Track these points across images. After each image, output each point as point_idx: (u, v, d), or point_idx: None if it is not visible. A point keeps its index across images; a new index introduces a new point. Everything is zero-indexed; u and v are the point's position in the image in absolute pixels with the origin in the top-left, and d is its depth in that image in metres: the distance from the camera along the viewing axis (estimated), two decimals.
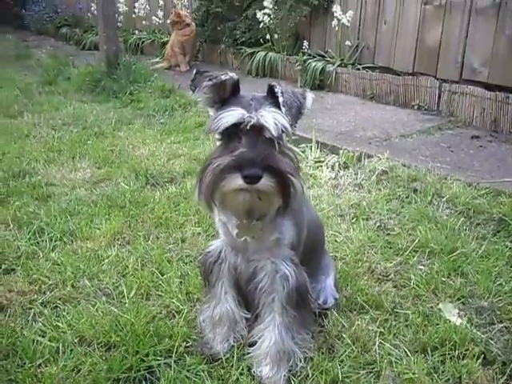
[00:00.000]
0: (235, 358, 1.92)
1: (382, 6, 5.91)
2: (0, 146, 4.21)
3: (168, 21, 7.97)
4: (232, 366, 1.88)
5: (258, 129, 1.56)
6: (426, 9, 5.44)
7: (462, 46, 5.12)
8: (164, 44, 8.48)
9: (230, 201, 1.60)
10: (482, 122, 4.79)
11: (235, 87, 1.67)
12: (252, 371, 1.87)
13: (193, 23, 7.85)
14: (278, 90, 1.63)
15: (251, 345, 1.93)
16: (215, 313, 1.99)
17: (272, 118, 1.56)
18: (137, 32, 9.44)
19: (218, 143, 1.65)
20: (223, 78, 1.63)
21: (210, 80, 1.62)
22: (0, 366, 1.86)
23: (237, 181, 1.52)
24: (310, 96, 1.72)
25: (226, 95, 1.66)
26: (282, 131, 1.59)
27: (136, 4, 9.09)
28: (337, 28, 6.19)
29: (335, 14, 6.12)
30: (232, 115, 1.56)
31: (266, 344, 1.86)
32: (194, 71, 1.72)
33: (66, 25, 11.86)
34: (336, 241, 2.86)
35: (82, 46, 10.40)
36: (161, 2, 8.89)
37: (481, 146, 4.32)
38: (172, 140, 4.54)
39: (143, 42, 9.13)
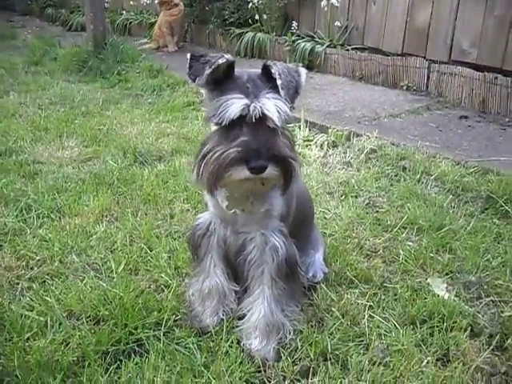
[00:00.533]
0: (224, 330, 1.91)
1: None
2: None
3: (156, 1, 7.89)
4: (221, 338, 1.88)
5: (261, 118, 1.54)
6: None
7: (452, 27, 5.11)
8: (152, 25, 8.40)
9: (233, 188, 1.63)
10: (471, 102, 4.79)
11: (230, 68, 1.63)
12: (241, 344, 1.87)
13: (181, 3, 7.78)
14: (274, 71, 1.60)
15: (240, 318, 1.93)
16: (204, 286, 1.99)
17: (274, 107, 1.54)
18: (124, 12, 9.35)
19: (214, 127, 1.62)
20: (220, 61, 1.58)
21: (209, 67, 1.57)
22: None
23: (243, 172, 1.52)
24: (303, 72, 1.71)
25: (220, 76, 1.62)
26: (285, 117, 1.57)
27: None
28: (326, 8, 6.16)
29: None
30: (235, 106, 1.53)
31: (256, 317, 1.86)
32: (189, 56, 1.65)
33: (51, 5, 11.68)
34: (325, 217, 2.86)
35: (68, 27, 10.28)
36: None
37: (469, 126, 4.33)
38: (160, 119, 4.52)
39: (131, 22, 9.05)
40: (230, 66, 1.62)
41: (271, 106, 1.54)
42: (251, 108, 1.52)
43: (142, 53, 6.82)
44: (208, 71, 1.57)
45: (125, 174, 3.29)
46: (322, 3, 6.15)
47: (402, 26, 5.58)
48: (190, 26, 8.20)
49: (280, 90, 1.57)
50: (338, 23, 6.15)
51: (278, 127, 1.56)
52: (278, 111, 1.54)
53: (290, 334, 1.88)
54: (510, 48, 4.63)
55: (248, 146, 1.51)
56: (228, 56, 1.60)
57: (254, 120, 1.53)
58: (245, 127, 1.54)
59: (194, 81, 1.62)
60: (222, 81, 1.62)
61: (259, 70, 1.66)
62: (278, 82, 1.57)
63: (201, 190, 1.89)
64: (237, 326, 1.93)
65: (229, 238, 1.92)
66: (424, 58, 5.31)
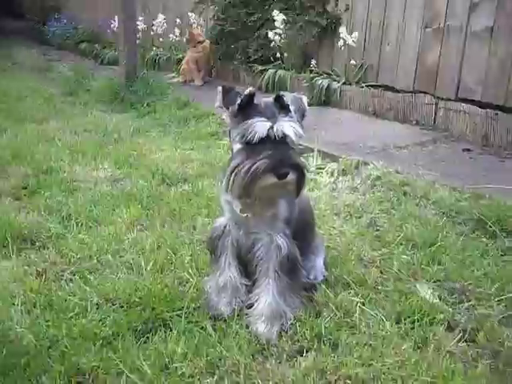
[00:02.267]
0: (235, 317, 2.27)
1: (386, 28, 6.29)
2: (28, 147, 4.60)
3: (184, 38, 8.43)
4: (233, 322, 2.23)
5: (282, 139, 1.98)
6: (426, 31, 5.81)
7: (459, 66, 5.48)
8: (180, 60, 8.91)
9: (263, 194, 2.02)
10: (474, 136, 5.14)
11: (251, 97, 2.03)
12: (249, 328, 2.22)
13: (207, 41, 8.29)
14: (287, 99, 2.04)
15: (249, 307, 2.29)
16: (220, 280, 2.35)
17: (291, 127, 1.99)
18: (154, 49, 9.90)
19: (239, 146, 2.03)
20: (247, 92, 2.00)
21: (240, 97, 2.00)
22: (40, 316, 2.23)
23: (272, 179, 1.94)
24: (305, 99, 2.18)
25: (243, 104, 2.02)
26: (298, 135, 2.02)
27: (154, 22, 9.55)
28: (343, 48, 6.58)
29: (341, 35, 6.51)
30: (262, 127, 1.95)
31: (262, 305, 2.22)
32: (220, 89, 2.08)
33: (85, 40, 12.37)
34: (330, 234, 3.19)
35: (101, 61, 10.87)
36: (177, 21, 9.35)
37: (471, 158, 4.67)
38: (186, 147, 4.92)
39: (160, 58, 9.57)
40: (252, 96, 2.03)
41: (288, 126, 1.98)
42: (274, 128, 1.95)
43: (171, 86, 7.29)
44: (240, 101, 1.99)
45: (153, 192, 3.68)
46: (339, 43, 6.57)
47: (414, 65, 5.97)
48: (216, 62, 8.69)
49: (293, 114, 2.02)
50: (353, 62, 6.55)
51: (293, 143, 2.00)
52: (294, 131, 1.99)
53: (290, 320, 2.23)
54: (511, 87, 4.99)
55: (273, 157, 1.93)
56: (252, 88, 2.02)
57: (276, 138, 1.96)
58: (267, 144, 1.96)
59: (227, 108, 2.04)
60: (244, 108, 2.02)
61: (270, 99, 2.08)
62: (292, 107, 2.03)
63: (222, 196, 2.27)
64: (246, 314, 2.28)
65: (241, 239, 2.30)
66: (433, 95, 5.69)
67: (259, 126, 1.95)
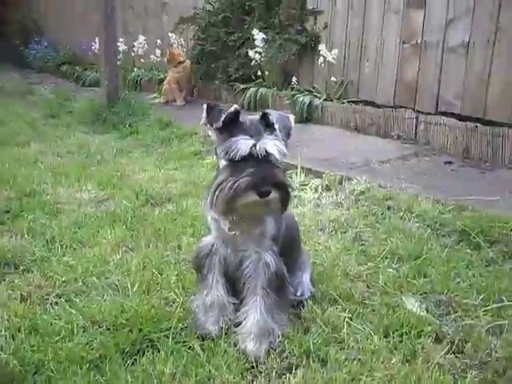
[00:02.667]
0: (223, 335, 2.26)
1: (365, 44, 6.37)
2: (10, 170, 4.57)
3: (165, 59, 8.46)
4: (221, 341, 2.22)
5: (265, 157, 1.99)
6: (404, 47, 5.90)
7: (437, 81, 5.56)
8: (161, 81, 8.93)
9: (243, 210, 2.01)
10: (455, 149, 5.20)
11: (236, 115, 2.05)
12: (238, 346, 2.21)
13: (187, 61, 8.33)
14: (272, 117, 2.05)
15: (237, 325, 2.27)
16: (207, 299, 2.32)
17: (274, 146, 2.00)
18: (135, 69, 9.91)
19: (224, 163, 2.05)
20: (232, 109, 2.03)
21: (224, 114, 2.02)
22: (25, 340, 2.20)
23: (253, 196, 1.94)
24: (292, 117, 2.19)
25: (227, 121, 2.04)
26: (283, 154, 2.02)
27: (135, 43, 9.59)
28: (323, 65, 6.64)
29: (321, 52, 6.58)
30: (245, 145, 1.97)
31: (250, 323, 2.20)
32: (205, 106, 2.09)
33: (66, 63, 12.37)
34: (316, 250, 3.20)
35: (82, 82, 10.88)
36: (158, 41, 9.39)
37: (452, 170, 4.72)
38: (169, 167, 4.92)
39: (141, 78, 9.60)
40: (237, 113, 2.05)
41: (271, 145, 1.99)
42: (257, 147, 1.96)
43: (152, 106, 7.31)
44: (223, 117, 2.01)
45: (137, 212, 3.67)
46: (320, 60, 6.63)
47: (393, 80, 6.05)
48: (197, 82, 8.72)
49: (278, 133, 2.03)
50: (334, 78, 6.62)
51: (278, 161, 2.00)
52: (277, 149, 2.00)
53: (278, 337, 2.22)
54: (488, 100, 5.07)
55: (255, 175, 1.94)
56: (236, 106, 2.05)
57: (259, 156, 1.97)
58: (251, 161, 1.97)
59: (211, 125, 2.06)
60: (229, 125, 2.04)
61: (256, 116, 2.11)
62: (276, 126, 2.04)
63: (209, 215, 2.26)
64: (234, 332, 2.27)
65: (229, 257, 2.30)
66: (413, 109, 5.75)
67: (242, 144, 1.96)
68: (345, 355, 2.15)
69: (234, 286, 2.35)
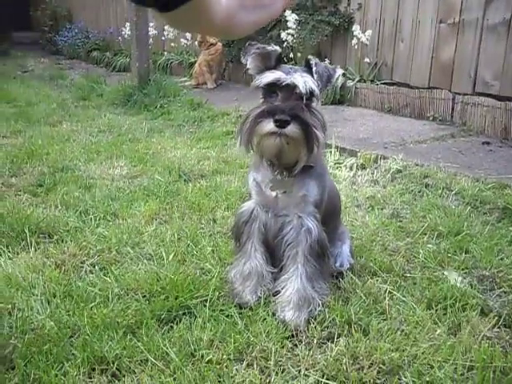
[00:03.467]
0: (262, 304, 2.20)
1: (399, 25, 6.23)
2: (43, 147, 4.57)
3: (196, 42, 8.41)
4: (260, 309, 2.16)
5: (291, 88, 1.91)
6: (441, 27, 5.75)
7: (475, 61, 5.41)
8: (191, 64, 8.90)
9: (263, 143, 1.92)
10: (493, 130, 5.05)
11: (278, 59, 2.00)
12: (276, 315, 2.14)
13: (219, 43, 8.26)
14: (312, 62, 1.98)
15: (276, 294, 2.21)
16: (245, 268, 2.26)
17: (302, 78, 1.91)
18: (165, 54, 9.89)
19: (260, 101, 2.00)
20: (268, 48, 1.98)
21: (257, 49, 1.98)
22: (60, 305, 2.17)
23: (269, 125, 1.85)
24: (339, 71, 2.09)
25: (271, 65, 1.99)
26: (310, 92, 1.92)
27: (165, 27, 9.55)
28: (356, 46, 6.53)
29: (355, 33, 6.47)
30: (272, 75, 1.92)
31: (290, 291, 2.13)
32: (247, 43, 2.04)
33: (96, 49, 12.41)
34: (353, 225, 3.13)
35: (112, 68, 10.89)
36: None
37: (490, 151, 4.58)
38: (201, 146, 4.86)
39: (172, 62, 9.56)
40: (279, 57, 2.00)
41: (299, 78, 1.90)
42: (282, 77, 1.89)
43: (183, 89, 7.26)
44: (255, 51, 1.98)
45: (171, 187, 3.63)
46: (353, 41, 6.52)
47: (428, 61, 5.91)
48: (227, 65, 8.66)
49: (314, 74, 1.95)
50: (367, 60, 6.50)
51: (303, 94, 1.90)
52: (304, 82, 1.90)
53: (319, 306, 2.15)
54: None
55: (276, 105, 1.88)
56: (276, 47, 2.00)
57: (283, 85, 1.90)
58: (279, 95, 1.92)
59: (243, 57, 2.01)
60: (272, 68, 1.98)
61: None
62: (313, 68, 1.95)
63: (252, 176, 2.21)
64: (273, 301, 2.20)
65: (269, 222, 2.22)
66: (449, 90, 5.61)
67: (268, 74, 1.93)
68: (387, 325, 2.07)
69: (274, 254, 2.28)
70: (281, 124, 1.84)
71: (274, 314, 2.15)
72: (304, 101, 1.92)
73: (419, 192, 3.64)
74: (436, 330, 2.05)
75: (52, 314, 2.09)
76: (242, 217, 2.26)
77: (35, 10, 15.85)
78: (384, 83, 6.33)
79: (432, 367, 1.84)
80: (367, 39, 6.40)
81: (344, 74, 6.73)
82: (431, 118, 5.69)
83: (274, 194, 2.13)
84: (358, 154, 4.34)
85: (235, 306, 2.20)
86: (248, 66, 2.03)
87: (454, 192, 3.54)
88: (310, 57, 2.03)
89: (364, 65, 6.58)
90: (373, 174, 4.03)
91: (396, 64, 6.34)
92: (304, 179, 2.10)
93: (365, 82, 6.48)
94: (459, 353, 1.90)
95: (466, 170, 3.90)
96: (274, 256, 2.28)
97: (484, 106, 5.15)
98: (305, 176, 2.10)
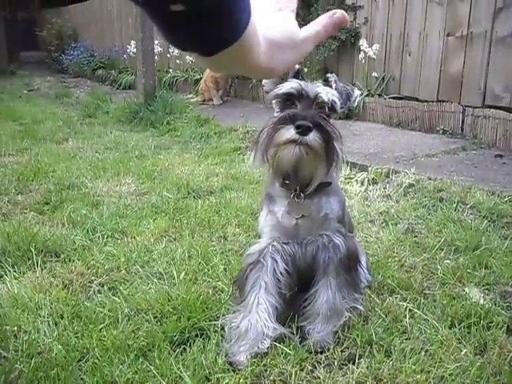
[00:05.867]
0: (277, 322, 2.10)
1: (407, 38, 6.19)
2: (49, 164, 4.51)
3: None
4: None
5: (312, 99, 1.81)
6: (449, 40, 5.69)
7: (484, 73, 5.34)
8: (197, 81, 8.87)
9: (280, 154, 1.78)
10: (506, 142, 4.97)
11: (296, 75, 1.91)
12: (304, 329, 2.05)
13: None
14: (332, 79, 1.90)
15: (304, 307, 2.08)
16: (242, 325, 1.99)
17: (324, 90, 1.83)
18: (171, 71, 9.88)
19: (276, 114, 1.88)
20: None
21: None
22: (68, 327, 2.08)
23: (290, 131, 1.74)
24: (357, 91, 2.02)
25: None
26: (332, 105, 1.83)
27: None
28: (363, 61, 6.50)
29: (362, 48, 6.44)
30: (291, 84, 1.82)
31: (320, 302, 2.02)
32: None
33: (101, 67, 12.44)
34: (367, 241, 3.04)
35: (118, 85, 10.88)
36: None
37: (504, 163, 4.50)
38: (209, 162, 4.79)
39: (177, 79, 9.54)
40: (297, 73, 1.91)
41: (322, 88, 1.83)
42: (303, 86, 1.80)
43: (189, 105, 7.22)
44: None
45: (180, 204, 3.55)
46: (360, 56, 6.49)
47: (437, 74, 5.85)
48: (233, 81, 8.63)
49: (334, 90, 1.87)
50: (375, 74, 6.45)
51: (325, 103, 1.82)
52: (327, 92, 1.82)
53: (346, 318, 2.05)
54: None
55: (297, 111, 1.78)
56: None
57: (303, 94, 1.80)
58: (298, 105, 1.82)
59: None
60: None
61: None
62: (333, 85, 1.88)
63: (264, 208, 2.08)
64: (302, 314, 2.09)
65: (294, 253, 2.04)
66: (458, 103, 5.54)
67: (288, 83, 1.83)
68: (410, 345, 1.98)
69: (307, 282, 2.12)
70: (303, 131, 1.72)
71: (292, 333, 2.05)
72: (326, 110, 1.84)
73: (433, 206, 3.55)
74: (461, 350, 1.96)
75: (59, 337, 2.00)
76: (249, 259, 2.07)
77: (41, 30, 15.94)
78: (392, 97, 6.27)
79: None
80: (374, 53, 6.37)
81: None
82: (441, 132, 5.61)
83: (293, 222, 2.00)
84: (369, 168, 4.26)
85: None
86: (264, 82, 1.96)
87: (469, 206, 3.45)
88: (329, 75, 1.94)
89: (371, 79, 6.54)
90: (385, 188, 3.95)
91: (404, 78, 6.29)
92: (323, 198, 2.01)
93: (372, 96, 6.42)
94: (488, 375, 1.81)
95: (481, 184, 3.81)
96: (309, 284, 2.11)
97: (495, 119, 5.07)
98: (323, 194, 2.00)
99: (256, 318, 1.98)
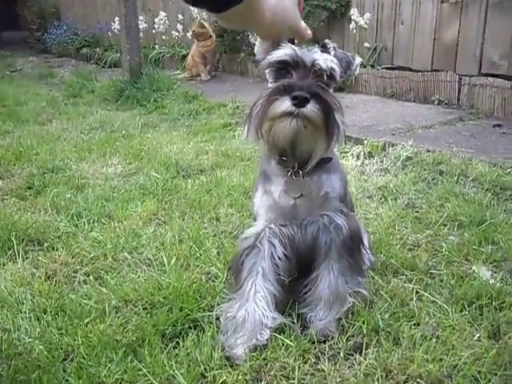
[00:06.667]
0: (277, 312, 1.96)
1: (399, 7, 5.99)
2: (32, 147, 4.32)
3: (191, 31, 8.13)
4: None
5: (309, 67, 1.64)
6: (443, 7, 5.50)
7: (480, 40, 5.17)
8: (184, 57, 8.63)
9: (276, 128, 1.62)
10: (504, 111, 4.82)
11: (291, 42, 1.72)
12: (305, 316, 1.91)
13: (213, 34, 8.00)
14: (330, 45, 1.73)
15: (304, 293, 1.95)
16: (239, 314, 1.85)
17: (322, 57, 1.65)
18: (157, 47, 9.62)
19: (270, 85, 1.71)
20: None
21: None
22: (51, 323, 1.93)
23: (285, 103, 1.57)
24: (358, 59, 1.83)
25: None
26: (331, 72, 1.66)
27: (156, 20, 9.29)
28: (355, 31, 6.30)
29: (352, 17, 6.24)
30: (285, 50, 1.64)
31: (321, 287, 1.88)
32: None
33: (86, 45, 12.09)
34: (366, 218, 2.90)
35: (103, 64, 10.59)
36: (180, 17, 9.07)
37: (503, 133, 4.35)
38: (198, 139, 4.62)
39: (163, 56, 9.28)
40: (291, 41, 1.73)
41: (319, 55, 1.65)
42: (298, 53, 1.62)
43: (177, 82, 7.01)
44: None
45: (169, 184, 3.39)
46: (351, 26, 6.29)
47: (431, 43, 5.67)
48: (221, 56, 8.41)
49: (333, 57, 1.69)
50: (366, 44, 6.26)
51: (323, 70, 1.64)
52: (325, 59, 1.64)
53: (350, 304, 1.92)
54: None
55: (293, 81, 1.61)
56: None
57: (298, 62, 1.63)
58: (294, 75, 1.64)
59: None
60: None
61: None
62: (332, 52, 1.70)
63: (259, 188, 1.91)
64: (304, 300, 1.95)
65: (293, 235, 1.90)
66: (454, 72, 5.37)
67: (281, 50, 1.65)
68: (419, 332, 1.84)
69: (307, 266, 1.97)
70: (299, 102, 1.55)
71: (293, 322, 1.91)
72: (325, 79, 1.66)
73: (433, 180, 3.42)
74: (474, 335, 1.83)
75: (42, 334, 1.85)
76: (244, 243, 1.91)
77: (22, 9, 15.55)
78: (385, 68, 6.09)
79: (477, 380, 1.61)
80: (365, 23, 6.18)
81: None
82: (436, 102, 5.45)
83: (291, 202, 1.84)
84: (365, 141, 4.11)
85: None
86: (256, 51, 1.78)
87: (470, 178, 3.31)
88: (327, 40, 1.76)
89: (363, 50, 6.34)
90: (382, 162, 3.81)
91: (396, 47, 6.10)
92: (323, 175, 1.84)
93: (365, 67, 6.22)
94: (506, 362, 1.67)
95: (481, 155, 3.67)
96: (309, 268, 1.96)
97: (492, 87, 4.92)
98: (323, 171, 1.83)
99: (254, 307, 1.84)
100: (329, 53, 1.70)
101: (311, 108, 1.57)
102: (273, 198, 1.87)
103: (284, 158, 1.78)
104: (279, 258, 1.89)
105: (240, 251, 1.92)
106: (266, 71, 1.74)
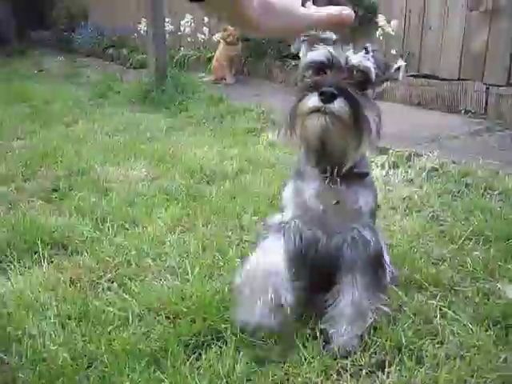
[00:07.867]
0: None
1: (427, 14, 5.94)
2: (58, 148, 4.36)
3: (219, 35, 8.13)
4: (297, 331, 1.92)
5: (343, 64, 1.64)
6: (472, 15, 5.45)
7: (509, 50, 5.11)
8: (209, 59, 8.63)
9: (306, 124, 1.63)
10: None
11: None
12: (326, 332, 1.90)
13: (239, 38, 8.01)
14: (370, 48, 1.71)
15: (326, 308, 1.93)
16: (259, 267, 1.85)
17: (356, 55, 1.65)
18: (182, 49, 9.65)
19: None
20: (323, 35, 1.70)
21: (309, 36, 1.71)
22: (75, 330, 1.95)
23: (313, 99, 1.58)
24: (400, 61, 1.82)
25: None
26: (365, 71, 1.65)
27: (181, 22, 9.32)
28: (381, 37, 6.26)
29: (380, 24, 6.20)
30: (321, 51, 1.65)
31: (344, 303, 1.87)
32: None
33: (112, 46, 12.20)
34: (390, 230, 2.88)
35: (129, 64, 10.66)
36: (206, 19, 9.09)
37: None
38: (223, 144, 4.61)
39: (189, 58, 9.30)
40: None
41: (351, 52, 1.65)
42: (334, 52, 1.63)
43: (202, 84, 7.03)
44: (303, 39, 1.73)
45: (193, 190, 3.40)
46: (378, 32, 6.25)
47: (458, 52, 5.61)
48: (246, 60, 8.41)
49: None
50: (393, 51, 6.22)
51: (355, 67, 1.65)
52: (359, 58, 1.65)
53: (371, 319, 1.90)
54: None
55: (321, 78, 1.63)
56: (332, 33, 1.71)
57: (334, 62, 1.64)
58: (327, 74, 1.65)
59: (293, 47, 1.78)
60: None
61: None
62: (370, 53, 1.69)
63: (290, 184, 1.93)
64: (323, 315, 1.94)
65: (317, 242, 1.90)
66: (481, 81, 5.32)
67: (316, 51, 1.66)
68: (443, 351, 1.83)
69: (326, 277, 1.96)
70: (326, 98, 1.56)
71: (315, 337, 1.90)
72: (357, 78, 1.65)
73: (459, 192, 3.38)
74: (500, 357, 1.81)
75: (66, 341, 1.87)
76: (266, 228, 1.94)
77: (51, 9, 15.72)
78: (411, 75, 6.04)
79: None
80: (393, 30, 6.13)
81: None
82: (463, 112, 5.39)
83: (321, 207, 1.84)
84: (390, 151, 4.08)
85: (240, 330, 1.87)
86: (301, 54, 1.77)
87: (497, 192, 3.28)
88: (368, 44, 1.75)
89: (390, 57, 6.29)
90: (407, 172, 3.78)
91: (424, 55, 6.05)
92: (360, 188, 1.85)
93: None
94: None
95: (509, 167, 3.63)
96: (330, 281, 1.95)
97: None
98: (360, 185, 1.85)
99: (276, 259, 1.82)
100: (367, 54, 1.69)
101: (339, 104, 1.57)
102: (303, 198, 1.87)
103: (319, 162, 1.77)
104: (293, 258, 1.88)
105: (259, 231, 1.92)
106: (305, 74, 1.73)
